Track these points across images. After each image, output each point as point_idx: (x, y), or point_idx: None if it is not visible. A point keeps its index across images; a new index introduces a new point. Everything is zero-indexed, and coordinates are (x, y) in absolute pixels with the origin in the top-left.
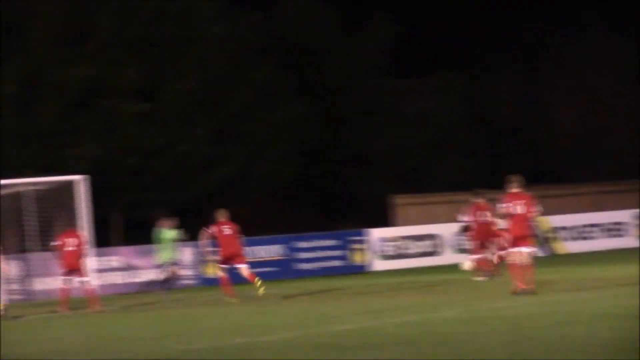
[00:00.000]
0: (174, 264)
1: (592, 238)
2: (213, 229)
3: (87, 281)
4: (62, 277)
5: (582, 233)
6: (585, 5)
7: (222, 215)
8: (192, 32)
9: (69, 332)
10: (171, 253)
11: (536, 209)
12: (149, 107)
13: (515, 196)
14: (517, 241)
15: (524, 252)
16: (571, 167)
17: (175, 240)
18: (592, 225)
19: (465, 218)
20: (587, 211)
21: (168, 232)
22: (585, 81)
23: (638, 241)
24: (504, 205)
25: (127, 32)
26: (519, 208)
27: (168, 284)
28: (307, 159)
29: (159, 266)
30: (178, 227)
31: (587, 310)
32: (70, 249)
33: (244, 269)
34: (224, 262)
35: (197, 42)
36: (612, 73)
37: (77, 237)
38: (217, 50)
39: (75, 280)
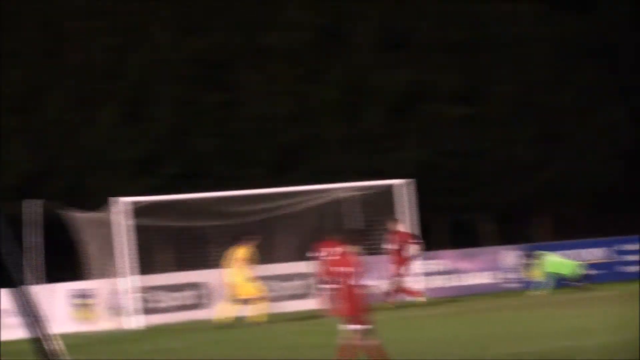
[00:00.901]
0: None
1: None
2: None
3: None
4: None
5: None
6: None
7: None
8: (514, 34)
9: (390, 335)
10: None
11: None
12: (471, 111)
13: None
14: None
15: None
16: None
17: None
18: None
19: None
20: None
21: (551, 260)
22: None
23: None
24: None
25: (447, 35)
26: None
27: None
28: (630, 161)
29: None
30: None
31: None
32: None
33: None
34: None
35: (518, 45)
36: None
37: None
38: (539, 52)
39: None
